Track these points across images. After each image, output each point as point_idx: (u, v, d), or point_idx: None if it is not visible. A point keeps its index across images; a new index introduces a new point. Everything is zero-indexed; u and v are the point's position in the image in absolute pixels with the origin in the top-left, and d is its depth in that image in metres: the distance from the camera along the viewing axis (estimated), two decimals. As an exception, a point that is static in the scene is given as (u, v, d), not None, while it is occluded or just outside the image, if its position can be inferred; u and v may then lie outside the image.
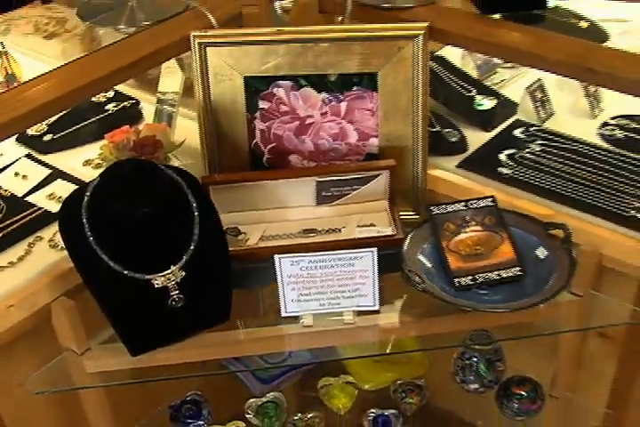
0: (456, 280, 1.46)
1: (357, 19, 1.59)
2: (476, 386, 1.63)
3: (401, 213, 1.61)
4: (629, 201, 1.59)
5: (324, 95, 1.56)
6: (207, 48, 1.53)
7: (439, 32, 1.51)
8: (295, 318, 1.45)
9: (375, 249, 1.39)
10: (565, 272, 1.44)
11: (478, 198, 1.55)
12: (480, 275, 1.47)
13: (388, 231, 1.54)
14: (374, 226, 1.57)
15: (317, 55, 1.52)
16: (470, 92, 1.85)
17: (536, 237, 1.52)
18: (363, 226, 1.57)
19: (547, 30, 1.52)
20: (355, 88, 1.55)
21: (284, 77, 1.55)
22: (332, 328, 1.45)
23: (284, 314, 1.44)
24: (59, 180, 1.69)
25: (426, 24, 1.50)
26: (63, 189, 1.64)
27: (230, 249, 1.46)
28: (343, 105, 1.57)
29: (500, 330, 1.59)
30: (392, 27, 1.50)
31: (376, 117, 1.57)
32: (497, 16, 1.58)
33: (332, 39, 1.51)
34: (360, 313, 1.45)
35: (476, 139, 1.78)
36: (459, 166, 1.70)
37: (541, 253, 1.50)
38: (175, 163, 1.72)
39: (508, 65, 1.97)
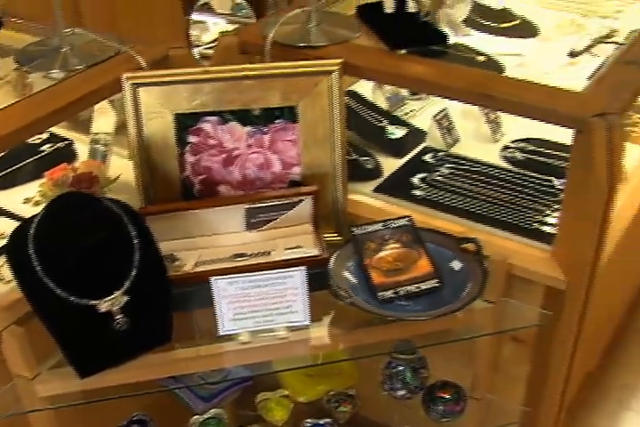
0: (379, 294, 1.58)
1: (276, 58, 1.73)
2: (404, 392, 1.76)
3: (325, 235, 1.73)
4: (532, 215, 1.76)
5: (248, 128, 1.69)
6: (138, 88, 1.64)
7: (353, 67, 1.65)
8: (232, 337, 1.55)
9: (304, 268, 1.51)
10: (478, 282, 1.58)
11: (395, 218, 1.69)
12: (401, 288, 1.60)
13: (314, 252, 1.66)
14: (301, 248, 1.68)
15: (241, 92, 1.65)
16: (382, 122, 2.01)
17: (450, 251, 1.66)
18: (290, 248, 1.69)
19: (448, 63, 1.68)
20: (277, 121, 1.68)
21: (211, 113, 1.67)
22: (268, 344, 1.56)
23: (221, 333, 1.54)
24: (0, 218, 1.77)
25: (340, 60, 1.64)
26: (5, 226, 1.71)
27: (168, 274, 1.56)
28: (267, 137, 1.69)
29: (422, 339, 1.72)
30: (309, 64, 1.64)
31: (298, 147, 1.70)
32: (403, 51, 1.74)
33: (254, 76, 1.64)
34: (293, 329, 1.57)
35: (390, 165, 1.93)
36: (375, 190, 1.85)
37: (456, 265, 1.64)
38: (111, 198, 1.81)
39: (416, 97, 2.14)
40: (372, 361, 1.77)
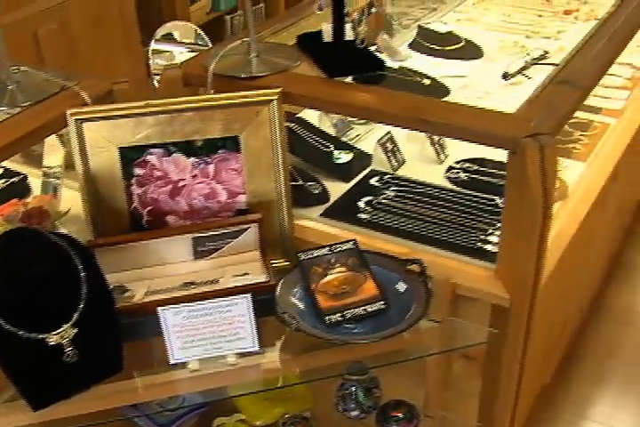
0: (326, 318, 1.61)
1: (219, 89, 1.76)
2: (357, 413, 1.78)
3: (273, 262, 1.77)
4: (476, 234, 1.80)
5: (192, 159, 1.72)
6: (83, 123, 1.67)
7: (292, 96, 1.69)
8: (183, 364, 1.58)
9: (249, 295, 1.54)
10: (422, 302, 1.62)
11: (341, 242, 1.73)
12: (348, 311, 1.63)
13: (262, 279, 1.69)
14: (248, 275, 1.72)
15: (183, 123, 1.69)
16: (329, 147, 2.05)
17: (396, 273, 1.69)
18: (238, 276, 1.72)
19: (387, 88, 1.72)
20: (220, 151, 1.72)
21: (155, 145, 1.70)
22: (218, 370, 1.58)
23: (172, 361, 1.57)
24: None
25: (279, 90, 1.68)
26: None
27: (118, 305, 1.59)
28: (211, 167, 1.73)
29: (373, 360, 1.75)
30: (249, 94, 1.68)
31: (242, 176, 1.74)
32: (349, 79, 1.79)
33: (195, 108, 1.68)
34: (243, 355, 1.60)
35: (337, 189, 1.97)
36: (322, 215, 1.89)
37: (401, 287, 1.67)
38: (63, 230, 1.84)
39: (362, 121, 2.18)
40: (325, 383, 1.79)
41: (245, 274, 1.73)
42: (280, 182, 1.74)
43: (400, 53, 1.73)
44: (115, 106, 1.70)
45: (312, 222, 1.88)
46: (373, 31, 1.87)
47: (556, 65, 1.75)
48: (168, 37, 2.54)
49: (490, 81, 2.39)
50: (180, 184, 1.74)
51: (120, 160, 1.70)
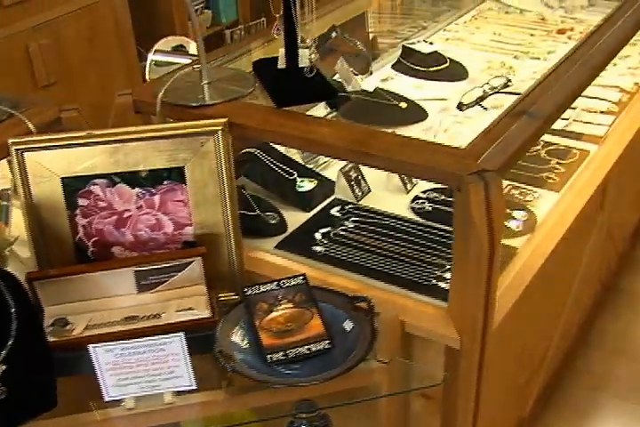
0: (268, 356, 1.55)
1: (170, 116, 1.72)
2: (307, 452, 1.72)
3: (221, 296, 1.71)
4: (431, 271, 1.73)
5: (137, 190, 1.67)
6: (24, 153, 1.63)
7: (238, 126, 1.64)
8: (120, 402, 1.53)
9: (182, 334, 1.49)
10: (367, 342, 1.55)
11: (290, 277, 1.67)
12: (291, 350, 1.57)
13: (205, 314, 1.64)
14: (192, 310, 1.66)
15: (127, 154, 1.64)
16: (292, 175, 1.99)
17: (343, 310, 1.63)
18: (182, 310, 1.66)
19: (332, 121, 1.66)
20: (165, 182, 1.67)
21: (99, 176, 1.66)
22: (155, 409, 1.53)
23: (106, 399, 1.52)
24: None
25: (224, 120, 1.63)
26: None
27: (55, 339, 1.55)
28: (156, 198, 1.68)
29: (324, 397, 1.69)
30: (193, 124, 1.63)
31: (188, 208, 1.68)
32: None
33: (139, 139, 1.63)
34: (182, 393, 1.54)
35: (296, 219, 1.91)
36: (277, 247, 1.83)
37: (348, 325, 1.61)
38: (15, 258, 1.81)
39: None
40: (275, 421, 1.74)
41: (189, 309, 1.67)
42: (227, 214, 1.69)
43: (354, 81, 1.66)
44: (57, 135, 1.65)
45: (266, 255, 1.82)
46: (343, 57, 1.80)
47: (518, 94, 1.67)
48: (166, 51, 2.50)
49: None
50: (125, 215, 1.69)
51: (63, 190, 1.66)
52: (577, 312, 2.45)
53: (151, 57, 2.43)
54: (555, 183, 2.01)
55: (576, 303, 2.35)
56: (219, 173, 1.66)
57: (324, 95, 1.73)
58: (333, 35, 1.85)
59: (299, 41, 1.70)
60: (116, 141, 1.63)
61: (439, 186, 1.99)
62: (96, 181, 1.66)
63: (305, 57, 1.71)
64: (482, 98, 1.68)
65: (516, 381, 2.09)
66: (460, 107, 1.72)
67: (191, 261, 1.67)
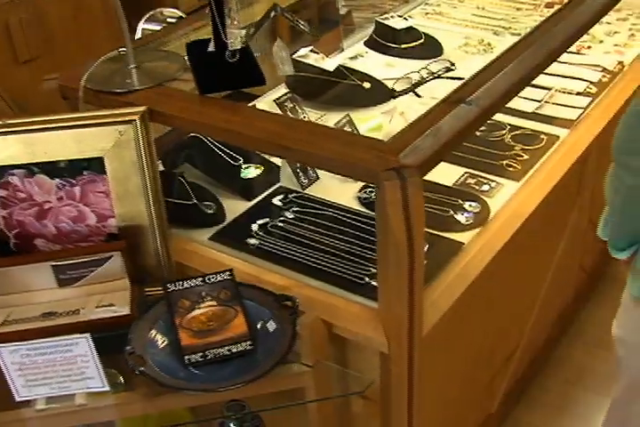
0: (186, 358, 1.48)
1: (93, 103, 1.63)
2: (237, 453, 1.65)
3: (150, 290, 1.64)
4: (366, 267, 1.63)
5: (57, 181, 1.59)
6: (-61, 142, 1.56)
7: (159, 114, 1.55)
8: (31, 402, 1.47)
9: (88, 335, 1.42)
10: (287, 344, 1.47)
11: (216, 273, 1.59)
12: (211, 351, 1.49)
13: (125, 311, 1.57)
14: (113, 306, 1.59)
15: (44, 143, 1.56)
16: (237, 161, 1.90)
17: (268, 309, 1.55)
18: (102, 306, 1.59)
19: (254, 110, 1.56)
20: (85, 172, 1.58)
21: (16, 166, 1.58)
22: (66, 410, 1.47)
23: (17, 399, 1.47)
24: None
25: (142, 109, 1.54)
26: None
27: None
28: (77, 189, 1.60)
29: (255, 397, 1.61)
30: (110, 113, 1.54)
31: (110, 199, 1.60)
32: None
33: (55, 128, 1.55)
34: (95, 394, 1.48)
35: (237, 209, 1.82)
36: (211, 239, 1.74)
37: (271, 326, 1.53)
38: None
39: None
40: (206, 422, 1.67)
41: (110, 305, 1.60)
42: (151, 206, 1.61)
43: (283, 67, 1.55)
44: (-29, 123, 1.58)
45: (199, 247, 1.74)
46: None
47: (461, 79, 1.55)
48: (160, 19, 2.41)
49: (440, 84, 2.19)
50: (46, 206, 1.62)
51: (-19, 181, 1.59)
52: (553, 305, 2.33)
53: (142, 26, 2.35)
54: (516, 172, 1.89)
55: (552, 296, 2.24)
56: (140, 163, 1.57)
57: (250, 82, 1.62)
58: (272, 14, 1.74)
59: (228, 21, 1.59)
60: (31, 131, 1.56)
61: (391, 174, 1.88)
62: (14, 171, 1.59)
63: (236, 39, 1.60)
64: (417, 84, 1.54)
65: (476, 380, 2.00)
66: (392, 95, 1.59)
67: (111, 256, 1.59)
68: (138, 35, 2.33)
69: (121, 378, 1.53)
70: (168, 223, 1.66)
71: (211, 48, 1.63)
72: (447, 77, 1.51)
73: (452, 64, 1.55)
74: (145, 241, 1.64)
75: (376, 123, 2.03)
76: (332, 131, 1.46)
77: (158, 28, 2.27)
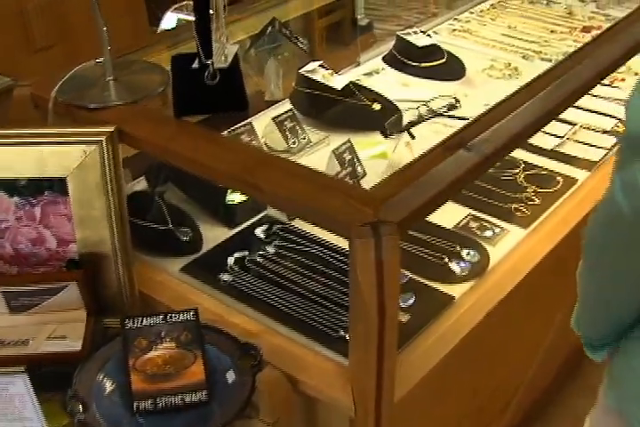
0: (135, 404, 1.35)
1: (64, 116, 1.51)
2: None
3: (109, 321, 1.51)
4: (343, 317, 1.48)
5: (16, 199, 1.47)
6: None
7: (127, 135, 1.42)
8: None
9: (26, 375, 1.30)
10: (245, 398, 1.34)
11: (180, 311, 1.45)
12: (163, 398, 1.36)
13: (76, 346, 1.44)
14: (65, 339, 1.47)
15: (5, 159, 1.43)
16: (224, 184, 1.76)
17: (230, 358, 1.41)
18: (53, 338, 1.47)
19: (230, 139, 1.42)
20: (47, 193, 1.46)
21: (-26, 181, 1.46)
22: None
23: (-51, 437, 1.36)
24: None
25: (111, 128, 1.41)
26: None
27: None
28: (37, 210, 1.48)
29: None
30: (77, 132, 1.42)
31: (72, 223, 1.48)
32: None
33: (15, 143, 1.42)
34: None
35: (215, 236, 1.68)
36: (183, 270, 1.61)
37: (230, 376, 1.39)
38: None
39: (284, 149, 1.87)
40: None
41: (62, 337, 1.48)
42: (115, 233, 1.48)
43: (270, 90, 1.39)
44: None
45: (169, 278, 1.60)
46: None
47: (465, 119, 1.40)
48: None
49: (458, 109, 2.03)
50: (4, 225, 1.50)
51: None
52: (554, 359, 2.16)
53: (171, 14, 2.22)
54: (524, 217, 1.72)
55: (553, 351, 2.07)
56: (105, 186, 1.44)
57: (229, 106, 1.47)
58: (269, 30, 1.59)
59: (215, 36, 1.45)
60: (-8, 144, 1.43)
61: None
62: (-29, 186, 1.47)
63: (220, 57, 1.46)
64: (413, 123, 1.38)
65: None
66: (384, 132, 1.42)
67: (67, 285, 1.47)
68: (165, 25, 2.21)
69: (66, 420, 1.41)
70: (139, 248, 1.53)
71: (195, 64, 1.49)
72: (449, 116, 1.35)
73: (457, 101, 1.39)
74: (107, 270, 1.51)
75: (380, 150, 1.88)
76: (309, 172, 1.31)
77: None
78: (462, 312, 1.52)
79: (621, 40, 1.71)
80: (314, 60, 1.77)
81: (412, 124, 1.37)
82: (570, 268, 1.89)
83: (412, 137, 1.37)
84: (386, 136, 1.44)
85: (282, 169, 1.30)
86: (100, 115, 1.47)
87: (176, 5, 2.26)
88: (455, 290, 1.56)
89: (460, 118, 1.38)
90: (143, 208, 1.67)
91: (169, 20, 2.27)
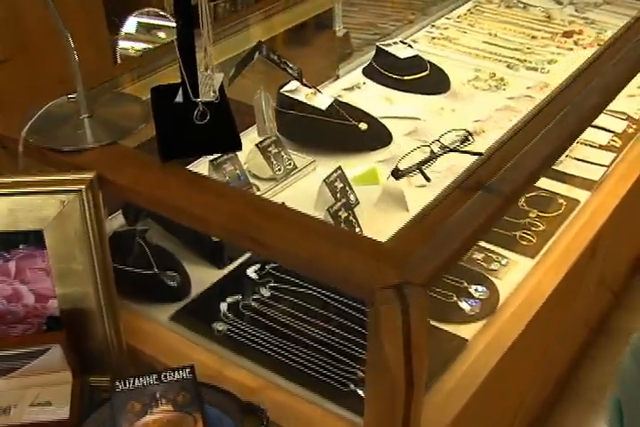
0: (130, 478, 1.24)
1: (36, 160, 1.37)
2: None
3: (96, 379, 1.39)
4: (353, 369, 1.38)
5: (-13, 254, 1.33)
6: None
7: (109, 183, 1.28)
8: None
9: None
10: (254, 469, 1.23)
11: (175, 369, 1.33)
12: (160, 469, 1.25)
13: (64, 413, 1.32)
14: (50, 405, 1.34)
15: (-27, 226, 1.29)
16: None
17: (233, 420, 1.30)
18: (37, 404, 1.34)
19: (224, 186, 1.29)
20: (22, 246, 1.32)
21: (-59, 234, 1.32)
22: None
23: None
24: None
25: (91, 175, 1.27)
26: None
27: None
28: (12, 264, 1.34)
29: None
30: (53, 180, 1.28)
31: (51, 278, 1.34)
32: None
33: (-15, 194, 1.28)
34: None
35: (204, 279, 1.56)
36: (173, 319, 1.48)
37: (236, 441, 1.28)
38: None
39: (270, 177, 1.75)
40: None
41: (47, 403, 1.35)
42: (99, 287, 1.34)
43: (263, 125, 1.27)
44: None
45: (158, 328, 1.48)
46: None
47: (480, 155, 1.29)
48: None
49: (447, 125, 1.93)
50: (-25, 282, 1.36)
51: None
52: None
53: (133, 19, 2.08)
54: (530, 246, 1.63)
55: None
56: (86, 238, 1.31)
57: (224, 147, 1.35)
58: (256, 56, 1.46)
59: (200, 68, 1.32)
60: (-45, 197, 1.29)
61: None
62: (-62, 239, 1.32)
63: (208, 90, 1.33)
64: (425, 161, 1.26)
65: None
66: (395, 174, 1.30)
67: (49, 348, 1.33)
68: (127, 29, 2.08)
69: None
70: (123, 295, 1.41)
71: (179, 98, 1.35)
72: (463, 152, 1.25)
73: (470, 134, 1.28)
74: (92, 325, 1.38)
75: (371, 173, 1.78)
76: (316, 223, 1.19)
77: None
78: (476, 356, 1.43)
79: (627, 54, 1.63)
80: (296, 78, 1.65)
81: (424, 162, 1.26)
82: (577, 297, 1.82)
83: (427, 179, 1.26)
84: (397, 178, 1.33)
85: (286, 220, 1.18)
86: (76, 159, 1.33)
87: (138, 11, 2.14)
88: (466, 331, 1.46)
89: (474, 154, 1.27)
90: (124, 251, 1.54)
91: (130, 25, 2.14)
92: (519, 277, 1.57)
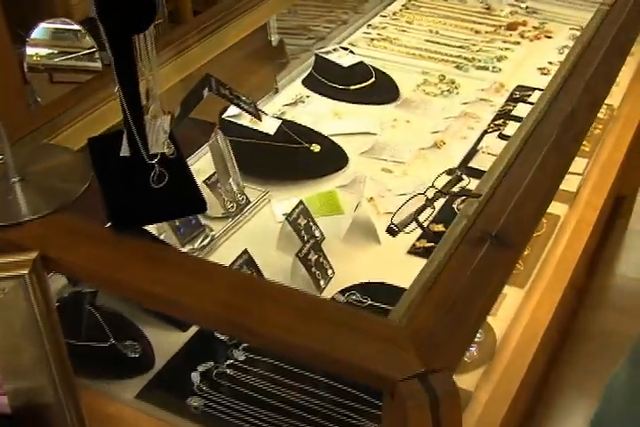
0: None
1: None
2: None
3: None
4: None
5: None
6: None
7: (56, 263, 1.09)
8: None
9: None
10: None
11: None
12: None
13: None
14: None
15: None
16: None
17: None
18: None
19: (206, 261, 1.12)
20: (-43, 342, 1.12)
21: None
22: None
23: None
24: None
25: (33, 255, 1.08)
26: None
27: None
28: (-52, 362, 1.13)
29: None
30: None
31: (-3, 374, 1.15)
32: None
33: None
34: None
35: (168, 346, 1.38)
36: (139, 396, 1.30)
37: None
38: None
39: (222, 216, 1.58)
40: None
41: None
42: (56, 380, 1.16)
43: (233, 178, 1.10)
44: None
45: (123, 408, 1.30)
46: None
47: (478, 196, 1.14)
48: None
49: (404, 139, 1.80)
50: None
51: None
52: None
53: (44, 25, 1.87)
54: (518, 274, 1.51)
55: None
56: (35, 328, 1.11)
57: (186, 209, 1.16)
58: (205, 92, 1.28)
59: (147, 115, 1.13)
60: None
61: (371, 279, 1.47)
62: None
63: (159, 139, 1.15)
64: (421, 210, 1.11)
65: None
66: (391, 231, 1.15)
67: (3, 455, 1.15)
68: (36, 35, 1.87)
69: None
70: (79, 373, 1.22)
71: (124, 152, 1.16)
72: (460, 196, 1.10)
73: (462, 173, 1.14)
74: (51, 420, 1.19)
75: (332, 201, 1.63)
76: (312, 299, 1.03)
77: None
78: (484, 408, 1.30)
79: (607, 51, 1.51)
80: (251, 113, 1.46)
81: (420, 211, 1.11)
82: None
83: (425, 231, 1.11)
84: (394, 235, 1.17)
85: (276, 300, 1.01)
86: (11, 236, 1.12)
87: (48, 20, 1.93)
88: (468, 381, 1.33)
89: (473, 196, 1.12)
90: (72, 321, 1.35)
91: (40, 32, 1.93)
92: (512, 311, 1.45)
